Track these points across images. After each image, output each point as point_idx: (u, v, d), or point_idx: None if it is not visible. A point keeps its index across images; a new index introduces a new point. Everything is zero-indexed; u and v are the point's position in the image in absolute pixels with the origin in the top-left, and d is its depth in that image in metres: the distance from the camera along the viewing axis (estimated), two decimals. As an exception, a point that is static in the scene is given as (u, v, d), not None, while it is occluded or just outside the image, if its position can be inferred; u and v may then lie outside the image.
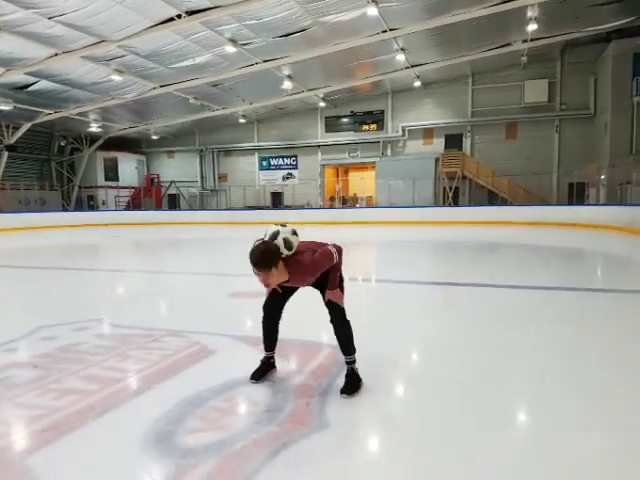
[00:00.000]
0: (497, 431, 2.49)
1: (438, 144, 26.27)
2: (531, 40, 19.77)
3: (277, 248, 2.76)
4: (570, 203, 22.39)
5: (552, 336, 4.27)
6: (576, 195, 22.71)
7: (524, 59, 22.17)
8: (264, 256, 2.69)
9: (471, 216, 21.13)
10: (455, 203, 24.82)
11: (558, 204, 22.65)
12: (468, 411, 2.72)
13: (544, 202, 23.07)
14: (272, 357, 3.25)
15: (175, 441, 2.37)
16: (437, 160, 25.33)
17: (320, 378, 3.15)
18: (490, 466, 2.16)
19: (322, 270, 2.91)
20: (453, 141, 25.92)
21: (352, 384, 2.96)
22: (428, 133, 26.60)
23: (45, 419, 2.59)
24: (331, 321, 3.05)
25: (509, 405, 2.84)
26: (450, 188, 24.63)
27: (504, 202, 23.65)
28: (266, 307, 3.16)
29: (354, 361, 3.04)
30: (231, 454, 2.24)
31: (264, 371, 3.18)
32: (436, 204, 24.96)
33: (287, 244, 2.81)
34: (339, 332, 3.04)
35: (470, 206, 23.97)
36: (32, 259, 11.48)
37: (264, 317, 3.16)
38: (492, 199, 24.34)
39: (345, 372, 3.04)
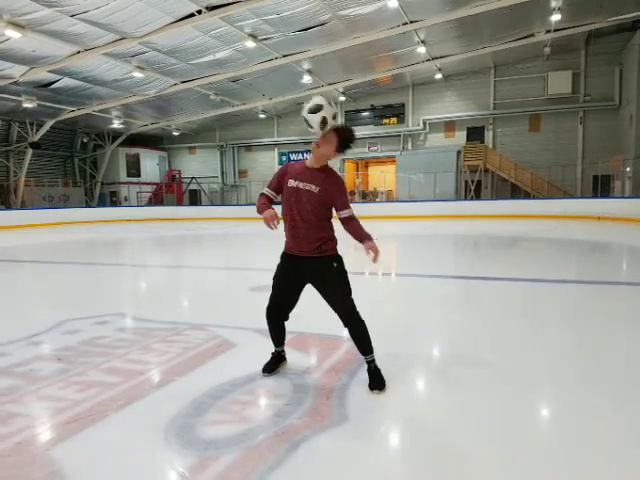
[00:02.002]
0: (517, 430, 2.43)
1: (460, 137, 25.91)
2: (554, 30, 19.31)
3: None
4: (595, 196, 21.88)
5: (578, 332, 4.16)
6: (601, 188, 22.16)
7: (547, 50, 21.68)
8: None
9: (494, 210, 20.84)
10: (477, 197, 24.46)
11: (582, 197, 22.16)
12: (489, 408, 2.67)
13: (568, 195, 22.59)
14: (282, 350, 3.25)
15: (197, 433, 2.37)
16: (459, 153, 24.97)
17: (340, 373, 3.13)
18: (510, 464, 2.11)
19: (341, 192, 2.88)
20: (475, 134, 25.52)
21: (380, 379, 2.91)
22: (450, 126, 26.24)
23: (68, 411, 2.62)
24: (347, 327, 2.97)
25: (531, 404, 2.78)
26: (472, 181, 24.27)
27: (527, 195, 23.23)
28: (272, 308, 3.09)
29: (374, 359, 2.98)
30: (252, 446, 2.24)
31: (276, 364, 3.18)
32: (458, 198, 24.64)
33: (324, 123, 2.71)
34: (357, 337, 2.97)
35: (493, 199, 23.61)
36: (55, 254, 11.71)
37: (269, 315, 3.09)
38: (515, 192, 23.92)
39: (367, 368, 2.98)
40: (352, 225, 2.88)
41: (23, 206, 24.79)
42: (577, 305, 5.30)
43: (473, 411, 2.62)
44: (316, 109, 2.68)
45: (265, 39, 17.40)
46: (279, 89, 24.32)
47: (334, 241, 2.94)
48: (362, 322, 2.94)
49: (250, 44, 17.16)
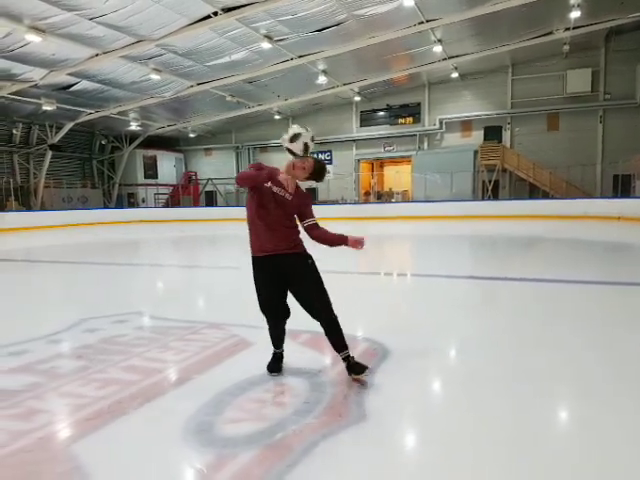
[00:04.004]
0: (536, 430, 2.39)
1: (477, 136, 25.62)
2: (574, 28, 18.96)
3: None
4: (615, 196, 21.42)
5: (596, 333, 4.08)
6: (621, 187, 21.70)
7: (566, 48, 21.29)
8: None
9: (511, 210, 20.55)
10: (495, 197, 24.15)
11: (602, 197, 21.72)
12: (505, 406, 2.63)
13: (587, 195, 22.18)
14: (283, 350, 3.28)
15: (215, 431, 2.38)
16: (476, 153, 24.68)
17: (358, 372, 3.10)
18: (528, 462, 2.06)
19: (310, 207, 3.07)
20: (492, 133, 25.20)
21: (361, 365, 3.01)
22: (466, 125, 25.98)
23: (88, 408, 2.65)
24: (320, 320, 3.05)
25: (548, 404, 2.73)
26: (489, 181, 23.97)
27: (545, 195, 22.88)
28: (264, 311, 3.10)
29: (349, 353, 3.06)
30: (271, 444, 2.23)
31: (280, 362, 3.22)
32: (475, 198, 24.36)
33: (306, 148, 2.87)
34: (332, 333, 3.04)
35: (510, 199, 23.27)
36: (74, 255, 11.88)
37: (267, 318, 3.12)
38: (533, 192, 23.57)
39: (347, 365, 3.04)
40: (321, 230, 3.07)
41: (43, 207, 25.22)
42: (598, 306, 5.19)
43: (492, 411, 2.58)
44: (295, 137, 2.86)
45: (280, 40, 17.44)
46: (294, 90, 24.35)
47: (302, 243, 3.10)
48: (337, 318, 3.03)
49: (266, 45, 17.22)
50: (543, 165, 23.32)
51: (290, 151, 2.91)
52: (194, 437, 2.31)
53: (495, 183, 24.09)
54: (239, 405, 2.66)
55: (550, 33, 19.64)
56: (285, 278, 3.00)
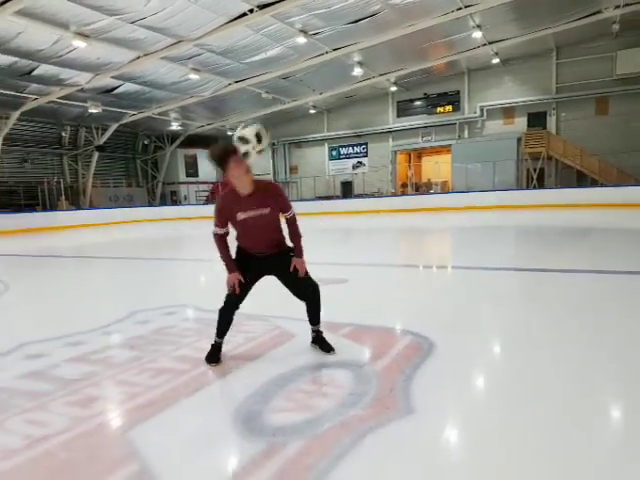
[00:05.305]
0: (587, 427, 2.31)
1: (520, 123, 24.80)
2: (624, 5, 17.98)
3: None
4: (670, 181, 20.33)
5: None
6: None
7: (616, 27, 20.17)
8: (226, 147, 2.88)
9: (558, 199, 19.80)
10: (540, 185, 23.34)
11: (656, 183, 20.64)
12: (553, 403, 2.55)
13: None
14: (222, 341, 3.32)
15: (264, 420, 2.42)
16: (519, 140, 23.89)
17: (402, 365, 3.08)
18: (576, 461, 2.00)
19: (284, 198, 3.10)
20: (536, 119, 24.32)
21: (328, 343, 3.33)
22: (509, 112, 25.18)
23: (142, 396, 2.75)
24: (308, 298, 3.26)
25: (598, 402, 2.62)
26: (534, 170, 23.17)
27: (594, 183, 21.93)
28: (230, 303, 3.19)
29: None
30: (319, 435, 2.25)
31: (219, 353, 3.27)
32: (519, 187, 23.62)
33: (258, 137, 2.88)
34: (317, 305, 3.29)
35: (557, 188, 22.43)
36: (122, 251, 12.32)
37: (226, 310, 3.21)
38: (581, 180, 22.62)
39: (317, 337, 3.37)
40: (293, 227, 3.18)
41: (91, 206, 26.27)
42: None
43: (542, 408, 2.51)
44: (242, 138, 2.88)
45: (315, 34, 17.41)
46: (329, 83, 24.29)
47: (285, 238, 3.25)
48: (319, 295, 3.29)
49: (301, 40, 17.24)
50: (591, 151, 22.33)
51: (246, 154, 2.88)
52: (244, 425, 2.36)
53: (540, 171, 23.28)
54: (286, 395, 2.70)
55: (598, 12, 18.71)
56: (262, 275, 3.22)
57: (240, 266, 3.14)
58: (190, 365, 3.21)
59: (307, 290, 3.25)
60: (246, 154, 2.84)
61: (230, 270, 3.09)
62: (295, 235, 3.19)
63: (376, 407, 2.50)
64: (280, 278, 3.27)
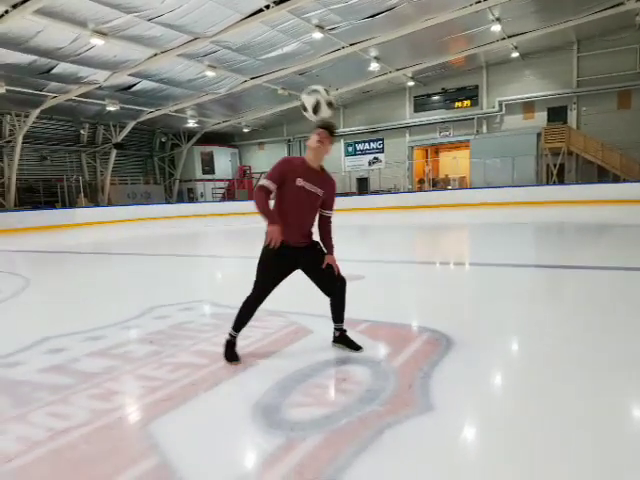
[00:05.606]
0: (608, 423, 2.27)
1: (540, 118, 24.38)
2: (648, -4, 17.57)
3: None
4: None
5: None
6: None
7: (639, 19, 19.71)
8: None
9: (579, 195, 19.44)
10: (560, 181, 22.94)
11: (681, 179, 20.14)
12: (575, 402, 2.51)
13: (664, 177, 20.63)
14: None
15: (282, 414, 2.42)
16: (539, 135, 23.48)
17: (421, 362, 3.05)
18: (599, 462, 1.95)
19: (334, 197, 3.17)
20: (557, 114, 23.87)
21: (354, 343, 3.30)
22: (528, 107, 24.77)
23: (162, 390, 2.77)
24: (336, 294, 3.21)
25: (617, 400, 2.56)
26: (554, 165, 22.77)
27: (616, 179, 21.48)
28: (260, 298, 3.15)
29: None
30: (337, 430, 2.24)
31: (236, 350, 3.22)
32: (539, 183, 23.25)
33: (315, 107, 2.93)
34: (343, 302, 3.25)
35: (578, 184, 21.98)
36: (140, 247, 12.47)
37: (255, 304, 3.16)
38: (602, 176, 22.16)
39: (342, 335, 3.32)
40: (328, 227, 3.22)
41: (110, 203, 26.63)
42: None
43: (561, 405, 2.47)
44: (312, 92, 2.95)
45: (332, 29, 17.34)
46: (346, 78, 24.18)
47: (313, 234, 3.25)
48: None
49: (317, 35, 17.18)
50: (613, 146, 21.87)
51: (303, 107, 2.97)
52: (263, 419, 2.37)
53: (560, 167, 22.88)
54: (303, 390, 2.70)
55: (620, 4, 18.27)
56: (294, 269, 3.16)
57: (274, 258, 3.05)
58: (208, 360, 3.23)
59: (336, 286, 3.21)
60: (317, 104, 2.93)
61: (272, 221, 2.92)
62: (329, 233, 3.21)
63: (394, 403, 2.49)
64: (310, 272, 3.21)
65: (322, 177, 3.05)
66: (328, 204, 3.15)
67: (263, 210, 2.91)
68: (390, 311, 4.49)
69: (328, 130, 3.00)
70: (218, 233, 16.71)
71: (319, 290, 3.28)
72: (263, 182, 2.93)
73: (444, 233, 13.29)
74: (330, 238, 3.20)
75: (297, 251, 3.09)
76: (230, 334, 3.22)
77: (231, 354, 3.18)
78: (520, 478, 1.89)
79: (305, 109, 2.97)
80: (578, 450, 2.05)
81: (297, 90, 24.66)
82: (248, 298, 3.17)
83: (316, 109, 2.91)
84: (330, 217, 3.20)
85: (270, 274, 3.10)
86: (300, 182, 2.95)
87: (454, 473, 1.93)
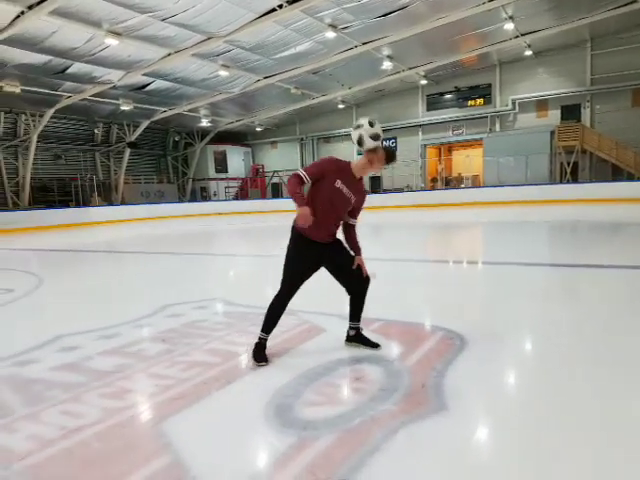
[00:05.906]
0: (625, 420, 2.20)
1: (553, 116, 24.08)
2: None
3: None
4: None
5: None
6: None
7: (655, 15, 19.42)
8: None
9: (593, 193, 19.18)
10: (574, 179, 22.66)
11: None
12: (589, 402, 2.47)
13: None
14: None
15: (295, 413, 2.41)
16: (552, 133, 23.20)
17: (434, 361, 3.03)
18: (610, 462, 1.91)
19: (361, 208, 3.28)
20: (570, 112, 23.57)
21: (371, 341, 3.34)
22: (542, 105, 24.48)
23: (174, 389, 2.77)
24: (360, 293, 3.26)
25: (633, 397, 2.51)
26: (568, 163, 22.50)
27: (630, 177, 21.14)
28: (290, 294, 3.16)
29: None
30: (350, 429, 2.23)
31: (265, 351, 3.21)
32: (552, 181, 22.96)
33: (359, 141, 3.03)
34: (363, 301, 3.29)
35: (592, 182, 21.70)
36: (154, 246, 12.56)
37: (285, 300, 3.16)
38: (616, 174, 21.84)
39: (358, 334, 3.34)
40: (354, 233, 3.29)
41: (123, 202, 26.85)
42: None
43: (575, 405, 2.44)
44: (357, 127, 3.05)
45: (345, 28, 17.29)
46: (359, 77, 24.11)
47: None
48: None
49: (330, 34, 17.15)
50: (627, 144, 21.54)
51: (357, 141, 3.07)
52: (275, 418, 2.36)
53: (574, 165, 22.60)
54: (316, 389, 2.69)
55: (634, 2, 17.96)
56: (325, 264, 3.21)
57: (301, 253, 3.12)
58: (221, 358, 3.23)
59: (364, 287, 3.27)
60: (360, 139, 3.03)
61: (302, 204, 2.92)
62: (355, 238, 3.29)
63: (408, 403, 2.47)
64: (336, 269, 3.25)
65: (358, 186, 3.16)
66: (355, 212, 3.25)
67: (294, 192, 2.94)
68: (403, 310, 4.46)
69: (388, 158, 3.12)
70: (231, 232, 16.78)
71: (340, 287, 3.29)
72: (300, 172, 3.01)
73: (457, 232, 13.19)
74: (357, 242, 3.29)
75: (322, 247, 3.15)
76: (260, 337, 3.21)
77: (260, 355, 3.16)
78: (535, 479, 1.86)
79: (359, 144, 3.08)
80: (594, 451, 2.02)
81: (310, 89, 24.69)
82: (277, 297, 3.17)
83: (360, 142, 3.02)
84: (355, 225, 3.29)
85: (298, 269, 3.13)
86: (339, 184, 3.05)
87: (468, 473, 1.91)
